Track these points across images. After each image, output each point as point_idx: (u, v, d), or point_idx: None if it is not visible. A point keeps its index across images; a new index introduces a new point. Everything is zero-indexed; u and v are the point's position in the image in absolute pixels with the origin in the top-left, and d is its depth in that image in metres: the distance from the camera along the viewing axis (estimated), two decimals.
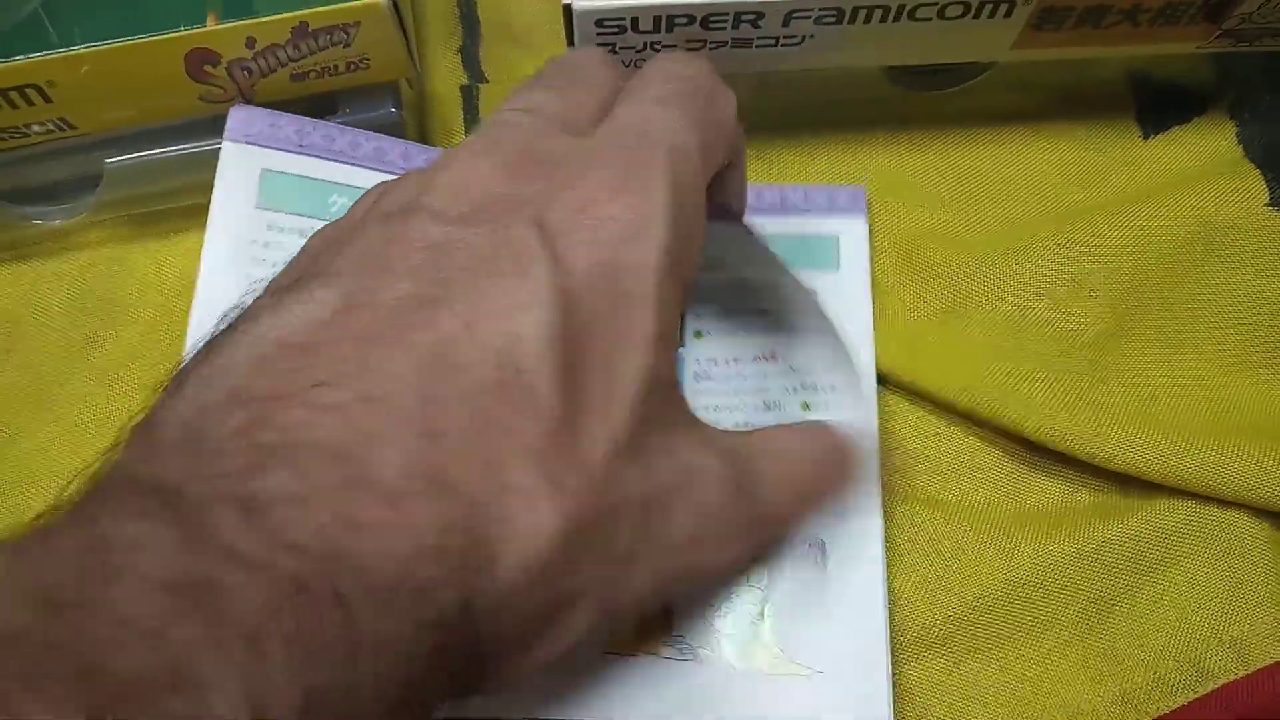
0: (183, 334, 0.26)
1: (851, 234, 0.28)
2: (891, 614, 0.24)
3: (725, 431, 0.19)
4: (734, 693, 0.23)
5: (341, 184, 0.27)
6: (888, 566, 0.25)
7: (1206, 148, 0.30)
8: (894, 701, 0.23)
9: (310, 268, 0.17)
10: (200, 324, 0.26)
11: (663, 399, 0.16)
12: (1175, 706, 0.24)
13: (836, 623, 0.24)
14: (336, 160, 0.27)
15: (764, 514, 0.18)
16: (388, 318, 0.14)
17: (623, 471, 0.15)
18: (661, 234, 0.16)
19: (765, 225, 0.28)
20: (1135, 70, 0.31)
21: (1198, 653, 0.24)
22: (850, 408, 0.25)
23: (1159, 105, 0.31)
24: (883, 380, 0.27)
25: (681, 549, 0.16)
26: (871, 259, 0.28)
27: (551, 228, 0.15)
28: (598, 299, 0.15)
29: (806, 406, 0.26)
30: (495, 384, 0.14)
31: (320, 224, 0.27)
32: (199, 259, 0.27)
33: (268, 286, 0.18)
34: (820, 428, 0.20)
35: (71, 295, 0.30)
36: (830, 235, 0.28)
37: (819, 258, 0.28)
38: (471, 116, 0.32)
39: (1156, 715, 0.24)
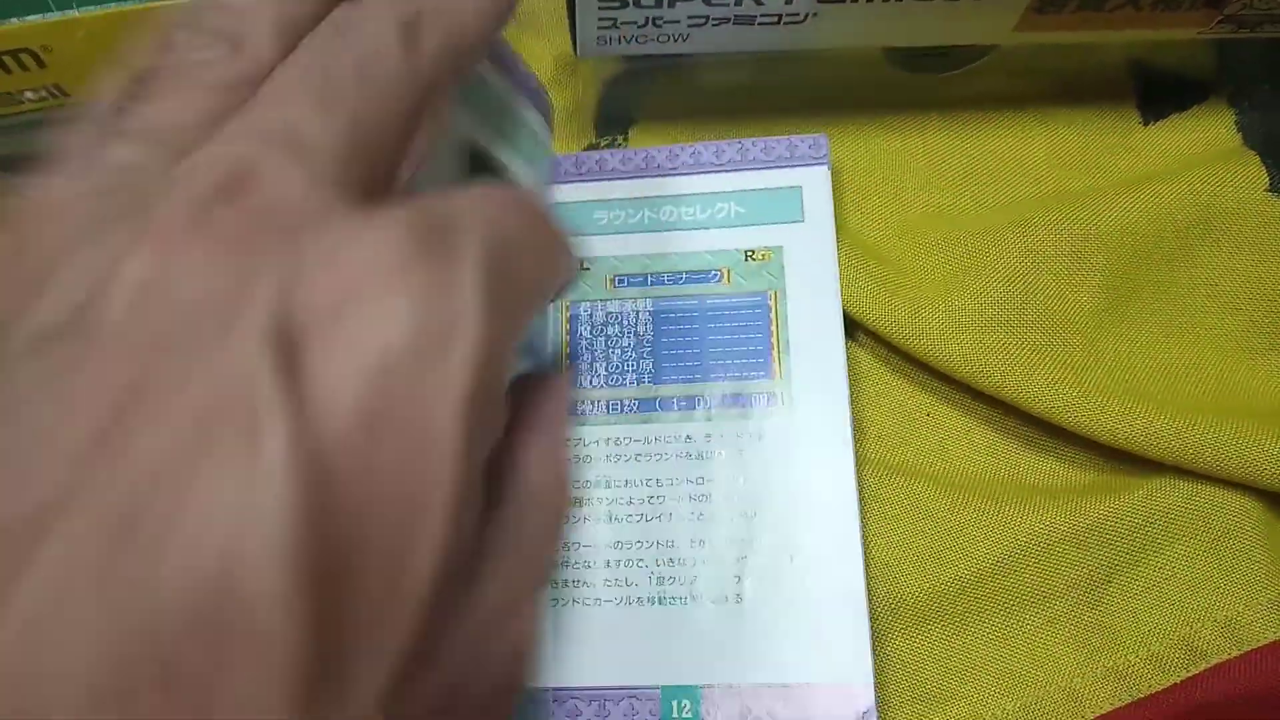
0: None
1: (814, 183, 0.28)
2: (884, 585, 0.25)
3: None
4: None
5: None
6: (881, 537, 0.25)
7: (1206, 134, 0.30)
8: (884, 671, 0.23)
9: None
10: None
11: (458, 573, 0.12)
12: (1167, 685, 0.24)
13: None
14: None
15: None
16: (45, 526, 0.09)
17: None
18: (474, 346, 0.11)
19: (726, 182, 0.28)
20: (1136, 57, 0.31)
21: (1191, 631, 0.24)
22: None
23: (1159, 92, 0.31)
24: (881, 344, 0.27)
25: None
26: (844, 221, 0.28)
27: (294, 337, 0.10)
28: (370, 460, 0.10)
29: None
30: (211, 624, 0.09)
31: None
32: None
33: None
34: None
35: None
36: (794, 186, 0.28)
37: (784, 210, 0.28)
38: None
39: (1148, 692, 0.24)
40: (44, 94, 0.27)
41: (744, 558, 0.25)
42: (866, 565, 0.25)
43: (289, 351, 0.10)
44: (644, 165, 0.29)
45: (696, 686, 0.24)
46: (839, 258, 0.27)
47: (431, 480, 0.11)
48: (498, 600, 0.13)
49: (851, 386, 0.27)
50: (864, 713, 0.23)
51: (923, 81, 0.31)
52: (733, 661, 0.24)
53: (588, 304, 0.28)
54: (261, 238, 0.11)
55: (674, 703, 0.24)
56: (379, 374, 0.10)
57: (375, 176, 0.13)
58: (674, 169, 0.29)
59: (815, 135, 0.28)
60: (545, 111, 0.23)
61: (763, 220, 0.28)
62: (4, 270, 0.11)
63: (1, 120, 0.28)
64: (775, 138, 0.29)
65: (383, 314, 0.10)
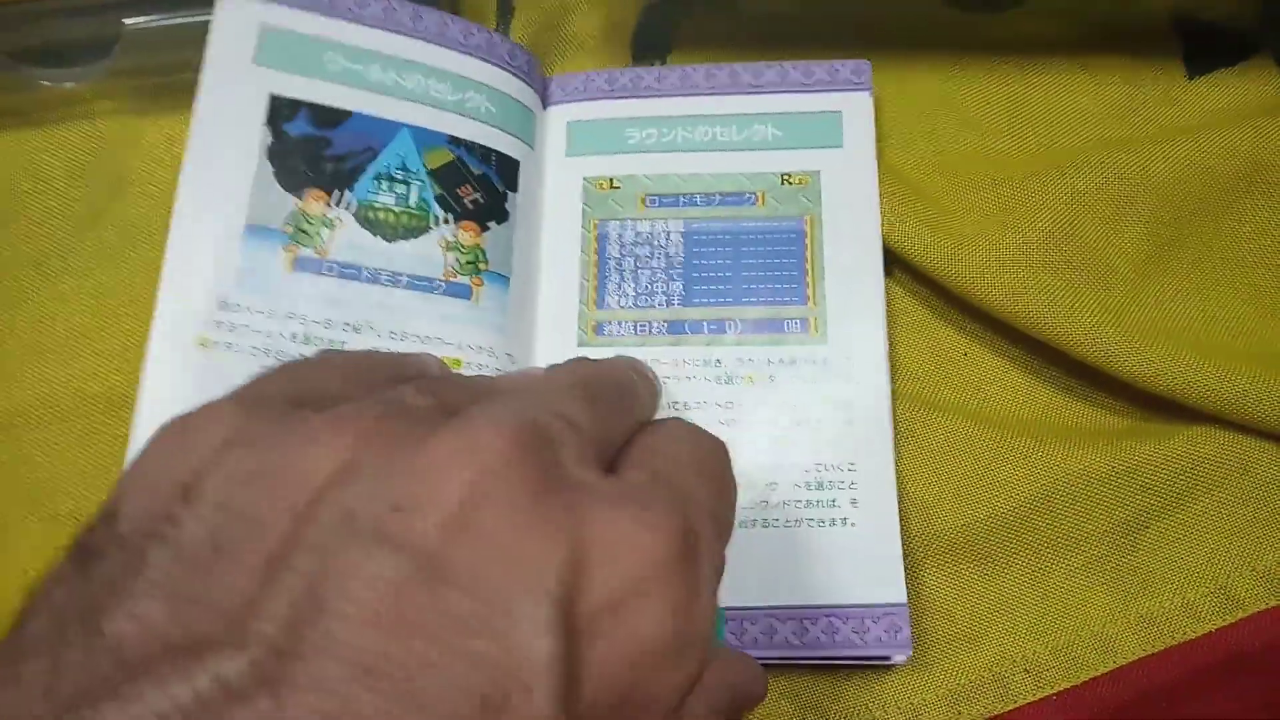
0: None
1: (855, 109, 0.27)
2: (919, 521, 0.24)
3: None
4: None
5: (337, 41, 0.26)
6: (916, 473, 0.24)
7: (1251, 90, 0.30)
8: (916, 608, 0.23)
9: (215, 599, 0.11)
10: (184, 209, 0.24)
11: None
12: (1201, 633, 0.23)
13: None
14: (336, 17, 0.26)
15: None
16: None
17: None
18: (703, 652, 0.13)
19: (764, 104, 0.28)
20: (1181, 12, 0.31)
21: (1228, 580, 0.23)
22: None
23: (1204, 48, 0.31)
24: (918, 282, 0.27)
25: None
26: (885, 156, 0.27)
27: (574, 621, 0.12)
28: None
29: None
30: None
31: (318, 85, 0.25)
32: None
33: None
34: None
35: (76, 165, 0.29)
36: (833, 111, 0.27)
37: (823, 135, 0.27)
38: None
39: (1181, 639, 0.23)
40: None
41: (773, 484, 0.24)
42: (902, 502, 0.24)
43: (570, 634, 0.12)
44: (680, 84, 0.28)
45: (720, 608, 0.23)
46: (880, 190, 0.26)
47: None
48: None
49: (888, 321, 0.26)
50: (899, 637, 0.22)
51: (969, 21, 0.30)
52: (758, 584, 0.23)
53: (617, 222, 0.27)
54: (558, 497, 0.12)
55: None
56: (638, 667, 0.12)
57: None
58: (711, 89, 0.28)
59: (858, 60, 0.28)
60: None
61: (800, 144, 0.27)
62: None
63: (21, 5, 0.27)
64: (817, 61, 0.28)
65: (652, 618, 0.12)
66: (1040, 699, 0.23)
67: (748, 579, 0.23)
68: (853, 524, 0.24)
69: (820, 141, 0.27)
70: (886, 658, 0.23)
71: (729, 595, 0.23)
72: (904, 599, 0.23)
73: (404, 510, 0.11)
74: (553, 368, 0.17)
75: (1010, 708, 0.24)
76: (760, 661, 0.23)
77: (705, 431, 0.17)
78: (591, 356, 0.19)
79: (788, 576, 0.23)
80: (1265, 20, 0.31)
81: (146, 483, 0.13)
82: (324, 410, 0.13)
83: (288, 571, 0.11)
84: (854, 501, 0.24)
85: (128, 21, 0.27)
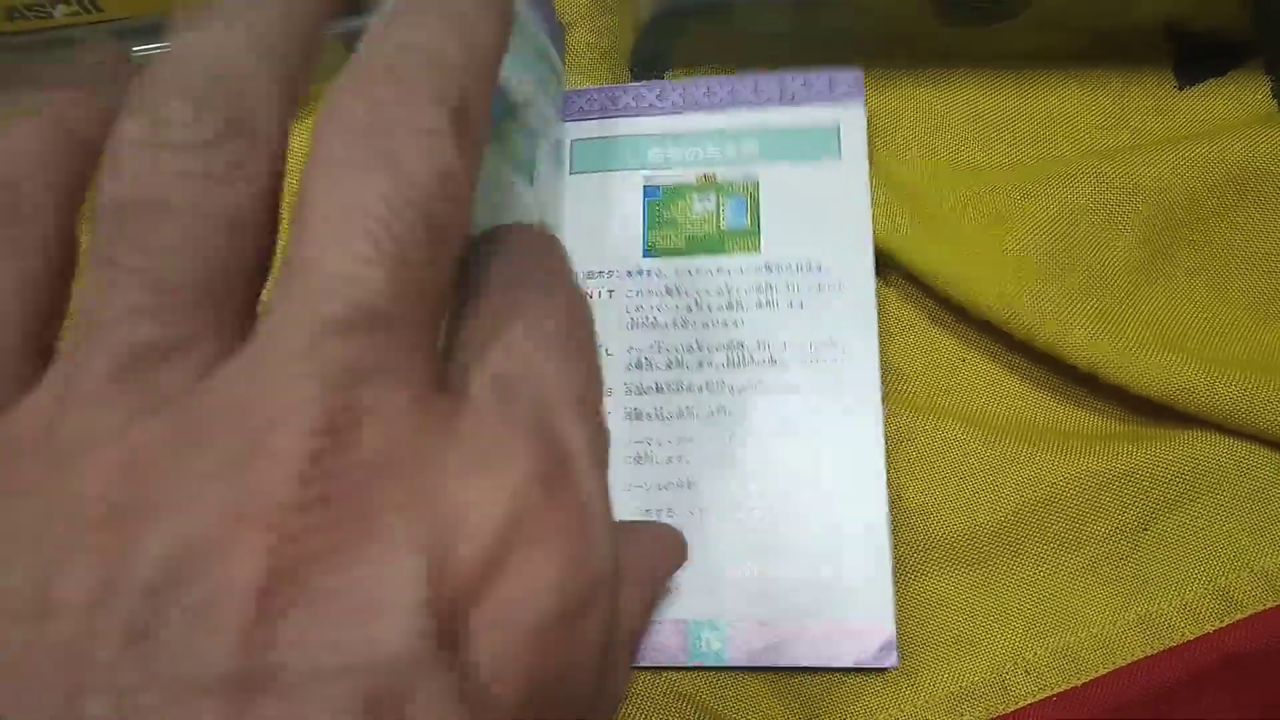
0: None
1: (851, 121, 0.28)
2: (916, 527, 0.24)
3: None
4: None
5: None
6: (912, 479, 0.24)
7: (1241, 100, 0.30)
8: (915, 614, 0.23)
9: None
10: None
11: None
12: (1200, 634, 0.23)
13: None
14: None
15: None
16: None
17: None
18: (609, 600, 0.12)
19: (767, 118, 0.28)
20: (1173, 21, 0.31)
21: (1226, 581, 0.24)
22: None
23: (1195, 57, 0.31)
24: (914, 287, 0.27)
25: None
26: (881, 166, 0.28)
27: (449, 616, 0.10)
28: (527, 715, 0.11)
29: None
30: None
31: None
32: None
33: None
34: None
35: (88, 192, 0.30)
36: (832, 125, 0.28)
37: (822, 148, 0.28)
38: None
39: (1180, 641, 0.23)
40: (76, 7, 0.26)
41: (764, 493, 0.25)
42: (898, 507, 0.25)
43: (447, 639, 0.10)
44: (681, 100, 0.29)
45: (723, 620, 0.24)
46: (878, 198, 0.27)
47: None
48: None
49: (883, 329, 0.27)
50: (883, 646, 0.23)
51: (962, 35, 0.31)
52: (759, 596, 0.24)
53: None
54: (385, 501, 0.10)
55: (702, 635, 0.24)
56: (538, 644, 0.10)
57: (439, 328, 0.12)
58: (711, 105, 0.28)
59: (853, 70, 0.28)
60: (562, 51, 0.23)
61: (800, 157, 0.28)
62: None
63: (30, 34, 0.27)
64: (814, 71, 0.28)
65: (536, 586, 0.10)
66: (1040, 700, 0.24)
67: (737, 589, 0.24)
68: (845, 533, 0.24)
69: (820, 154, 0.28)
70: (876, 669, 0.23)
71: (719, 606, 0.24)
72: (892, 609, 0.23)
73: (204, 609, 0.09)
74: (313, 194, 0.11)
75: (1011, 709, 0.24)
76: (749, 670, 0.24)
77: (557, 288, 0.13)
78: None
79: (777, 586, 0.24)
80: (1256, 30, 0.31)
81: None
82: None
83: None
84: (850, 517, 0.24)
85: (137, 49, 0.28)
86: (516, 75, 0.23)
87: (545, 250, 0.14)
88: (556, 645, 0.11)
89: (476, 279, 0.13)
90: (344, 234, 0.10)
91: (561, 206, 0.28)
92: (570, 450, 0.11)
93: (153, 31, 0.28)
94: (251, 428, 0.10)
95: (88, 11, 0.27)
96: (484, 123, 0.12)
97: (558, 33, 0.22)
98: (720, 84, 0.29)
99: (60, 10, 0.27)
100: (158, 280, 0.10)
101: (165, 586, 0.09)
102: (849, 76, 0.28)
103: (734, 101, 0.28)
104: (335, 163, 0.11)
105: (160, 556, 0.09)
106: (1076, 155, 0.29)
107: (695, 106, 0.29)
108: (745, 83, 0.29)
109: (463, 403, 0.11)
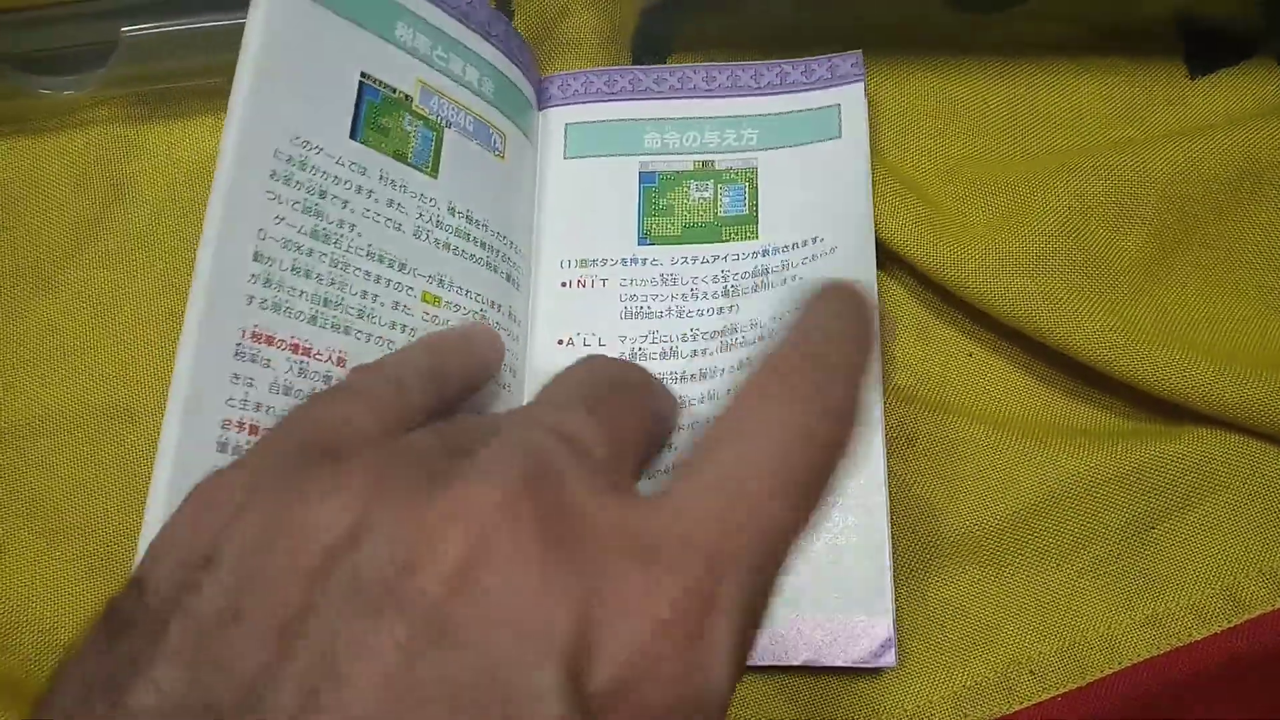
0: (193, 218, 0.25)
1: (851, 100, 0.27)
2: (923, 524, 0.24)
3: None
4: None
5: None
6: (919, 475, 0.24)
7: (1253, 92, 0.30)
8: (922, 610, 0.23)
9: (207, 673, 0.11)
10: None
11: None
12: (1207, 634, 0.23)
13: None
14: None
15: None
16: None
17: None
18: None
19: (767, 105, 0.28)
20: (1183, 12, 0.31)
21: (1234, 581, 0.24)
22: None
23: (1207, 48, 0.31)
24: (920, 283, 0.27)
25: None
26: (888, 158, 0.27)
27: (584, 685, 0.11)
28: None
29: None
30: None
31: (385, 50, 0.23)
32: (215, 142, 0.25)
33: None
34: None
35: (76, 173, 0.29)
36: (832, 105, 0.27)
37: (823, 129, 0.27)
38: None
39: (1187, 641, 0.23)
40: None
41: None
42: (903, 505, 0.25)
43: (579, 706, 0.11)
44: (680, 86, 0.28)
45: None
46: (885, 193, 0.26)
47: None
48: None
49: (889, 323, 0.26)
50: (882, 645, 0.22)
51: (969, 23, 0.30)
52: None
53: None
54: (562, 550, 0.12)
55: None
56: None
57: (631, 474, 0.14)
58: (710, 91, 0.28)
59: (854, 53, 0.28)
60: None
61: (798, 141, 0.27)
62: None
63: (19, 12, 0.26)
64: (814, 58, 0.28)
65: (660, 688, 0.11)
66: (1045, 699, 0.24)
67: None
68: (847, 534, 0.23)
69: (821, 135, 0.27)
70: (875, 669, 0.23)
71: None
72: (892, 611, 0.23)
73: (409, 570, 0.11)
74: (558, 375, 0.16)
75: (1015, 708, 0.24)
76: (756, 667, 0.23)
77: (761, 410, 0.14)
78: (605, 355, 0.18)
79: (782, 588, 0.23)
80: (1267, 20, 0.31)
81: (171, 551, 0.13)
82: (337, 459, 0.13)
83: (301, 640, 0.11)
84: (848, 516, 0.24)
85: (125, 29, 0.27)
86: None
87: (840, 329, 0.15)
88: None
89: (760, 357, 0.14)
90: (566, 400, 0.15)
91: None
92: (723, 576, 0.12)
93: (141, 12, 0.27)
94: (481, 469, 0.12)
95: None
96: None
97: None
98: (720, 70, 0.28)
99: None
100: None
101: (349, 562, 0.11)
102: (849, 59, 0.28)
103: (734, 88, 0.28)
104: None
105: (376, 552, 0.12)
106: (1086, 147, 0.29)
107: (694, 92, 0.28)
108: (746, 70, 0.28)
109: (663, 495, 0.13)
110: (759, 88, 0.28)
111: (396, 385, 0.17)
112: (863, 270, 0.25)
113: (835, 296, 0.15)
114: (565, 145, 0.28)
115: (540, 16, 0.30)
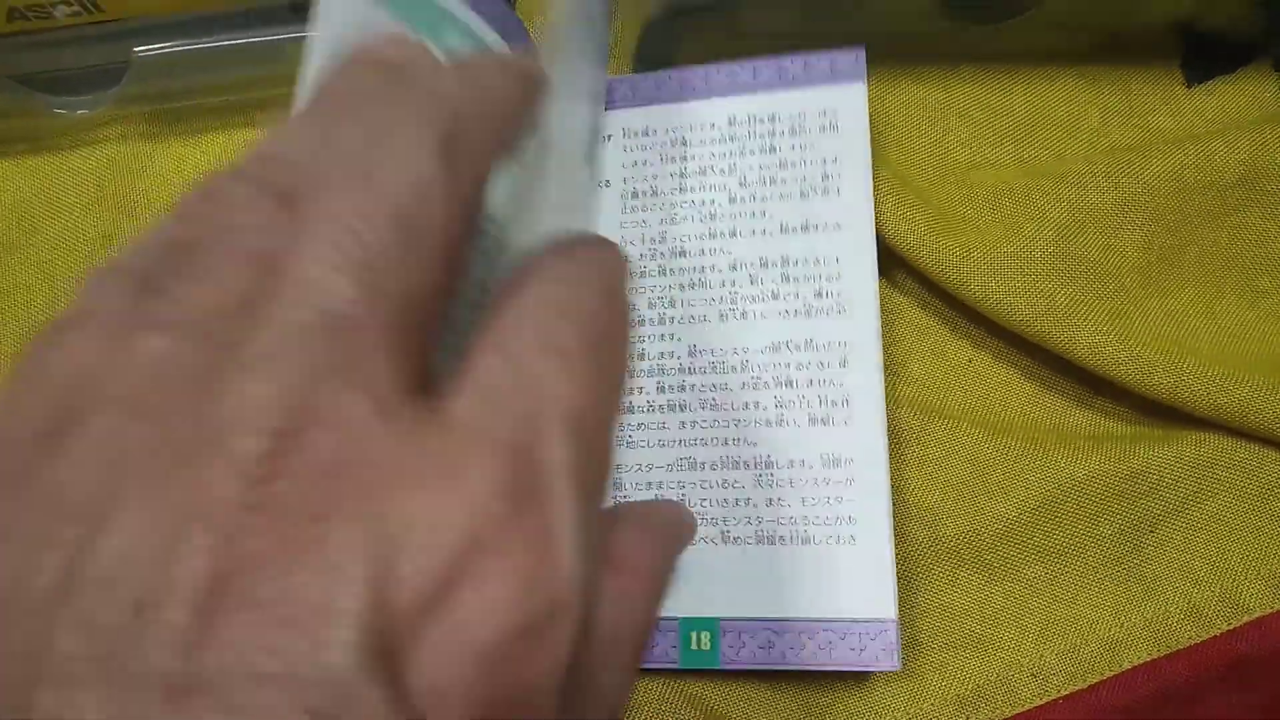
0: None
1: (851, 99, 0.27)
2: (924, 528, 0.24)
3: None
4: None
5: None
6: (920, 480, 0.24)
7: (1250, 99, 0.30)
8: (923, 615, 0.23)
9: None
10: None
11: None
12: (1207, 637, 0.23)
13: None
14: None
15: None
16: None
17: None
18: (573, 621, 0.11)
19: (761, 104, 0.27)
20: (1181, 19, 0.31)
21: (1233, 584, 0.24)
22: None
23: (1204, 55, 0.31)
24: (922, 288, 0.27)
25: None
26: (890, 165, 0.27)
27: (391, 638, 0.10)
28: None
29: None
30: None
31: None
32: (226, 159, 0.26)
33: None
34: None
35: (88, 191, 0.30)
36: (832, 105, 0.27)
37: (821, 127, 0.27)
38: None
39: (1187, 644, 0.23)
40: (77, 8, 0.26)
41: (760, 487, 0.25)
42: (906, 509, 0.25)
43: (389, 655, 0.09)
44: (679, 89, 0.28)
45: (715, 619, 0.24)
46: (888, 198, 0.27)
47: None
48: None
49: (891, 331, 0.27)
50: (884, 649, 0.23)
51: (969, 33, 0.30)
52: (753, 595, 0.24)
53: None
54: (335, 508, 0.10)
55: (692, 634, 0.24)
56: (485, 667, 0.10)
57: (425, 338, 0.12)
58: (709, 91, 0.28)
59: (854, 49, 0.27)
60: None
61: (796, 135, 0.27)
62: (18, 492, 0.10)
63: (32, 35, 0.27)
64: (815, 53, 0.28)
65: (482, 601, 0.10)
66: (1046, 703, 0.24)
67: (742, 591, 0.24)
68: (849, 536, 0.24)
69: (818, 131, 0.27)
70: (878, 673, 0.23)
71: (728, 606, 0.24)
72: (895, 613, 0.23)
73: (146, 607, 0.09)
74: (310, 220, 0.11)
75: (1017, 712, 0.24)
76: (755, 669, 0.24)
77: (583, 255, 0.13)
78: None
79: (774, 586, 0.24)
80: (1265, 28, 0.31)
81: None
82: (66, 435, 0.10)
83: None
84: (851, 518, 0.24)
85: (137, 49, 0.28)
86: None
87: (593, 256, 0.13)
88: (507, 670, 0.10)
89: (511, 285, 0.12)
90: (315, 242, 0.11)
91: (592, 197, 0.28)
92: (546, 469, 0.11)
93: (152, 33, 0.27)
94: (212, 426, 0.10)
95: (88, 12, 0.27)
96: (484, 145, 0.12)
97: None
98: (718, 71, 0.28)
99: (61, 11, 0.27)
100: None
101: (118, 582, 0.09)
102: (849, 56, 0.27)
103: (733, 88, 0.28)
104: (321, 182, 0.11)
105: (116, 551, 0.09)
106: (1084, 154, 0.29)
107: (694, 94, 0.28)
108: (744, 68, 0.28)
109: (439, 412, 0.11)
110: (756, 85, 0.28)
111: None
112: (862, 271, 0.25)
113: (583, 238, 0.13)
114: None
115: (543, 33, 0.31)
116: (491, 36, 0.26)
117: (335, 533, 0.09)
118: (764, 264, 0.26)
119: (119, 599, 0.09)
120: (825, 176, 0.27)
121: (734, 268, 0.27)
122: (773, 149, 0.27)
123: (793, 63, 0.28)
